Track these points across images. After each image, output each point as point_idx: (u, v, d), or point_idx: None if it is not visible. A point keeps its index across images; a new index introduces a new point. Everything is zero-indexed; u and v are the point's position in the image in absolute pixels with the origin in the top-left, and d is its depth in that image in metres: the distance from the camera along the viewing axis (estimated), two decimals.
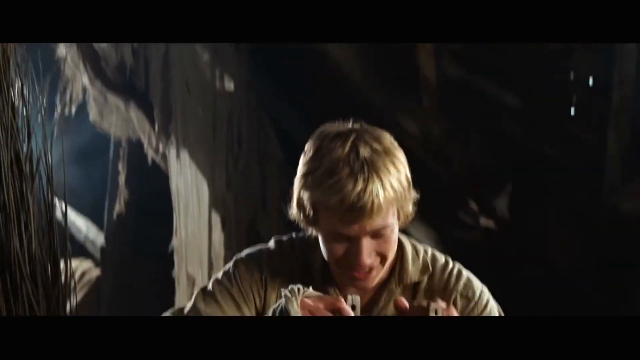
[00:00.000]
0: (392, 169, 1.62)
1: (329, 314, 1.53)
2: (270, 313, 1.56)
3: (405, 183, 1.65)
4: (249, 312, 1.76)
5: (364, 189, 1.57)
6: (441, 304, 1.55)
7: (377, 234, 1.64)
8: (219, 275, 1.81)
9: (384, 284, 1.77)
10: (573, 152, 4.10)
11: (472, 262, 1.84)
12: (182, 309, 1.80)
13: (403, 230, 1.79)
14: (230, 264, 1.81)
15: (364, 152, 1.60)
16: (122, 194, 5.10)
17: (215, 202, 4.60)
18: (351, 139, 1.62)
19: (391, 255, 1.70)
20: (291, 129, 4.35)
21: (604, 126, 3.95)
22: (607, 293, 3.89)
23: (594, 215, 3.99)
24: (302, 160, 1.68)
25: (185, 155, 4.63)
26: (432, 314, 1.52)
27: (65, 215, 2.21)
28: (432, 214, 3.33)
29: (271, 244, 1.84)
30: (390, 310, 1.75)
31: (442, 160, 4.27)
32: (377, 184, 1.58)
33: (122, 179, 5.09)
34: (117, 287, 5.43)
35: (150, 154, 4.73)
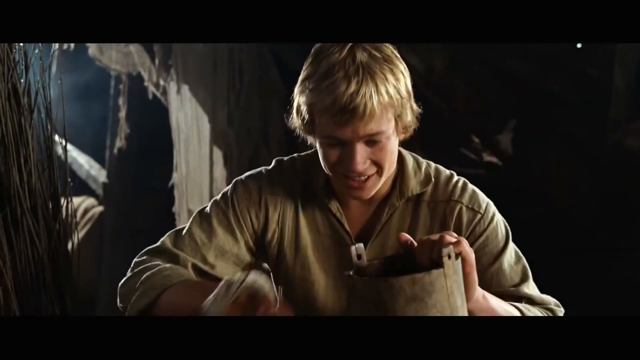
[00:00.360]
0: (389, 76, 1.61)
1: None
2: (211, 299, 1.49)
3: (404, 92, 1.63)
4: (241, 238, 1.78)
5: (357, 91, 1.57)
6: (449, 239, 1.45)
7: (372, 141, 1.63)
8: (218, 197, 1.83)
9: (386, 198, 1.76)
10: (578, 87, 4.05)
11: None
12: (180, 230, 1.82)
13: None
14: (230, 186, 1.84)
15: (361, 56, 1.60)
16: (123, 129, 5.08)
17: (217, 138, 4.58)
18: (349, 44, 1.63)
19: (388, 165, 1.68)
20: (293, 64, 4.30)
21: (610, 61, 3.90)
22: (608, 229, 3.89)
23: (597, 152, 3.97)
24: (303, 68, 1.69)
25: (185, 90, 4.58)
26: (445, 260, 1.39)
27: (65, 149, 2.19)
28: (435, 149, 3.31)
29: (272, 164, 1.85)
30: (393, 226, 1.75)
31: (446, 96, 4.23)
32: (371, 87, 1.58)
33: (122, 114, 5.06)
34: (120, 222, 5.45)
35: (150, 88, 4.69)
